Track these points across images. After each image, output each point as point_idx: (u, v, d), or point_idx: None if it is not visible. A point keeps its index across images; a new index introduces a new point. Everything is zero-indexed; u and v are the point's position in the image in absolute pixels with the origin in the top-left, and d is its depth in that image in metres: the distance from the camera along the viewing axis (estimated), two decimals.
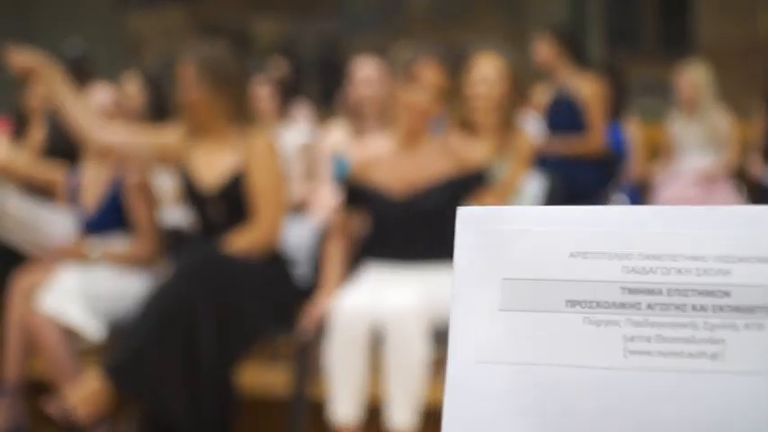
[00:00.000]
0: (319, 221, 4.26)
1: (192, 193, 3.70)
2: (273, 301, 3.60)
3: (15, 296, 3.72)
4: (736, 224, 0.57)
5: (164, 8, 9.36)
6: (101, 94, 4.20)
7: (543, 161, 4.64)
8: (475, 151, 3.55)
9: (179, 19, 9.24)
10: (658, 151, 6.23)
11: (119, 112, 4.21)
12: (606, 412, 0.57)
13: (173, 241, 4.00)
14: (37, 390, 3.71)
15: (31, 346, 3.67)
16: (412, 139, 3.51)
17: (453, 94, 3.61)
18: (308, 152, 5.01)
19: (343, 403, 3.24)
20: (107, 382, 3.32)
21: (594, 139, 5.32)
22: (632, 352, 0.57)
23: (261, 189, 3.61)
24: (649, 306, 0.57)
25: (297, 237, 4.20)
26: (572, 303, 0.59)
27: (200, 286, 3.37)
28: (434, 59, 3.50)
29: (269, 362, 3.82)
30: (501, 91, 4.14)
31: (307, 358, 3.51)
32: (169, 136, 3.74)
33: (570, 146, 5.26)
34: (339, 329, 3.25)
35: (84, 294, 3.60)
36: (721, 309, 0.57)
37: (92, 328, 3.58)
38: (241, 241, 3.54)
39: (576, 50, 5.46)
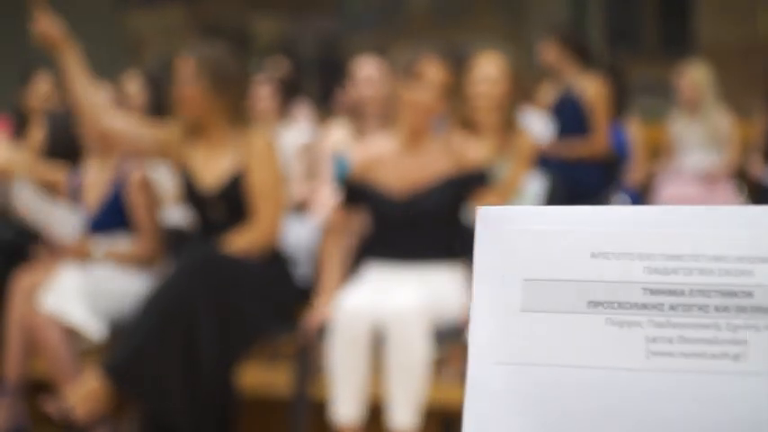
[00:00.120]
0: (320, 221, 4.26)
1: (191, 194, 3.69)
2: (274, 301, 3.60)
3: (16, 296, 3.72)
4: (759, 225, 0.57)
5: (163, 7, 9.36)
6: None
7: (544, 161, 4.64)
8: (476, 151, 3.54)
9: (179, 18, 9.24)
10: (659, 151, 6.23)
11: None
12: (628, 414, 0.56)
13: (173, 241, 3.99)
14: (38, 390, 3.71)
15: (32, 345, 3.66)
16: (415, 138, 3.50)
17: (454, 93, 3.60)
18: (309, 152, 5.00)
19: (345, 403, 3.24)
20: (106, 382, 3.32)
21: (598, 142, 5.31)
22: (654, 353, 0.57)
23: (260, 189, 3.61)
24: (672, 307, 0.57)
25: (297, 236, 4.20)
26: (594, 304, 0.58)
27: (200, 286, 3.37)
28: (437, 57, 3.50)
29: (270, 362, 3.81)
30: (503, 90, 4.14)
31: (308, 358, 3.50)
32: (168, 132, 3.74)
33: (574, 149, 5.25)
34: (340, 329, 3.25)
35: (86, 294, 3.60)
36: (744, 309, 0.56)
37: (93, 327, 3.58)
38: (241, 241, 3.54)
39: (581, 52, 5.45)
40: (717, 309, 0.57)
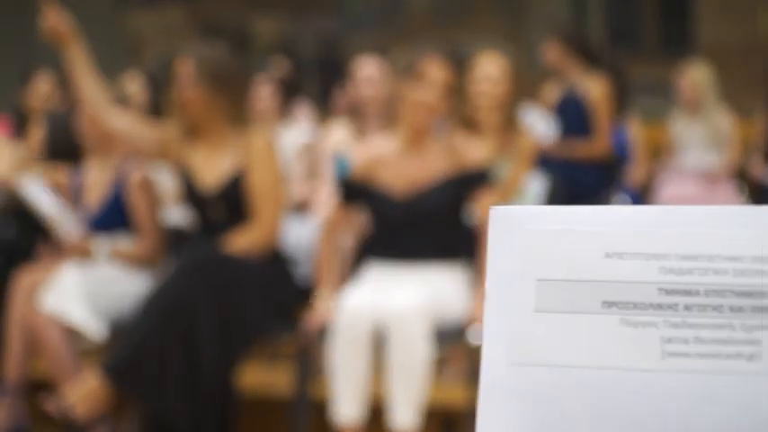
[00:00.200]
0: (320, 221, 4.25)
1: (191, 194, 3.69)
2: (274, 301, 3.60)
3: (17, 295, 3.71)
4: None
5: (163, 7, 9.35)
6: None
7: (545, 161, 4.64)
8: (476, 151, 3.54)
9: (179, 18, 9.23)
10: (659, 151, 6.23)
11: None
12: (643, 415, 0.56)
13: (173, 241, 3.99)
14: (38, 389, 3.70)
15: (33, 345, 3.66)
16: (417, 138, 3.50)
17: (455, 93, 3.60)
18: (310, 152, 5.00)
19: (346, 403, 3.23)
20: (106, 382, 3.32)
21: (600, 143, 5.30)
22: (670, 354, 0.56)
23: (260, 189, 3.61)
24: (687, 307, 0.57)
25: (298, 236, 4.20)
26: (608, 304, 0.58)
27: (200, 286, 3.37)
28: (439, 56, 3.49)
29: (271, 362, 3.82)
30: (504, 89, 4.14)
31: (308, 358, 3.50)
32: (168, 132, 3.74)
33: (575, 149, 5.24)
34: (341, 329, 3.25)
35: (86, 294, 3.60)
36: (758, 310, 0.56)
37: (93, 327, 3.57)
38: (241, 241, 3.54)
39: (584, 52, 5.44)
40: (731, 309, 0.56)
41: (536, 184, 4.19)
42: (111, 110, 3.69)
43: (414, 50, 3.55)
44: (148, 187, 3.93)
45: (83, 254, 3.78)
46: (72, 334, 3.58)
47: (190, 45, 4.12)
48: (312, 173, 4.94)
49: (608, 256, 0.58)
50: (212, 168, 3.66)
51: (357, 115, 4.69)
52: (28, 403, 3.76)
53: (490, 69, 4.18)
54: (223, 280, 3.42)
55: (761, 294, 0.56)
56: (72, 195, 4.09)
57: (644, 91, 7.10)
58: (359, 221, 3.79)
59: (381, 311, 3.23)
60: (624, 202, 5.46)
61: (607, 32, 8.19)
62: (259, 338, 3.59)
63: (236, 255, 3.50)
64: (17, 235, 4.34)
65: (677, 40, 8.07)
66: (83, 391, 3.32)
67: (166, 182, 4.30)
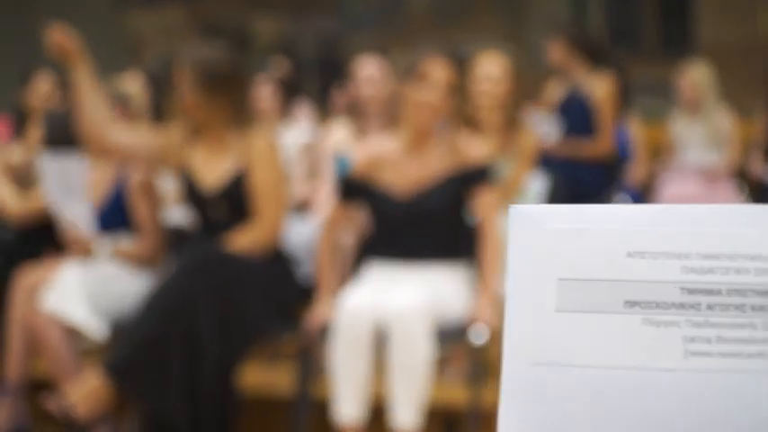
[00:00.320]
0: (321, 220, 4.25)
1: (193, 195, 3.69)
2: (275, 300, 3.60)
3: (18, 295, 3.71)
4: None
5: (163, 7, 9.35)
6: None
7: (546, 160, 4.64)
8: (477, 148, 3.53)
9: (178, 17, 9.23)
10: (660, 151, 6.23)
11: (118, 111, 4.20)
12: (666, 414, 0.56)
13: (174, 240, 3.99)
14: (39, 389, 3.70)
15: (34, 345, 3.66)
16: (421, 139, 3.49)
17: (458, 93, 3.59)
18: (310, 151, 5.00)
19: (347, 403, 3.23)
20: (107, 381, 3.32)
21: (603, 144, 5.30)
22: (693, 353, 0.56)
23: (262, 188, 3.60)
24: (709, 306, 0.56)
25: (299, 236, 4.20)
26: (630, 304, 0.58)
27: (201, 285, 3.36)
28: (441, 56, 3.49)
29: (272, 361, 3.82)
30: (506, 89, 4.14)
31: (310, 358, 3.50)
32: (169, 137, 3.74)
33: (578, 149, 5.24)
34: (342, 329, 3.24)
35: (87, 293, 3.59)
36: None
37: (94, 327, 3.57)
38: (243, 240, 3.53)
39: (589, 51, 5.42)
40: (753, 308, 0.56)
41: (537, 183, 4.19)
42: (112, 128, 3.68)
43: (414, 51, 3.55)
44: (149, 187, 3.92)
45: (85, 252, 3.78)
46: (73, 333, 3.58)
47: (189, 46, 4.12)
48: (313, 172, 4.94)
49: (630, 255, 0.58)
50: (213, 169, 3.66)
51: (355, 114, 4.69)
52: (29, 403, 3.75)
53: (491, 69, 4.18)
54: (224, 279, 3.42)
55: None
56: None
57: (644, 91, 7.11)
58: (359, 221, 3.79)
59: (382, 311, 3.23)
60: (625, 203, 5.46)
61: (607, 32, 8.19)
62: (260, 338, 3.58)
63: (238, 254, 3.49)
64: (17, 236, 4.33)
65: (677, 40, 8.07)
66: (84, 391, 3.32)
67: (167, 182, 4.30)
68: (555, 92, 5.56)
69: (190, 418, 3.33)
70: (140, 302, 3.47)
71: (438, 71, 3.45)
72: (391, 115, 3.86)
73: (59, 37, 3.57)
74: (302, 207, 4.67)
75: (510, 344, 0.59)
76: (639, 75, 7.09)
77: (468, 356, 3.40)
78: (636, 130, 6.15)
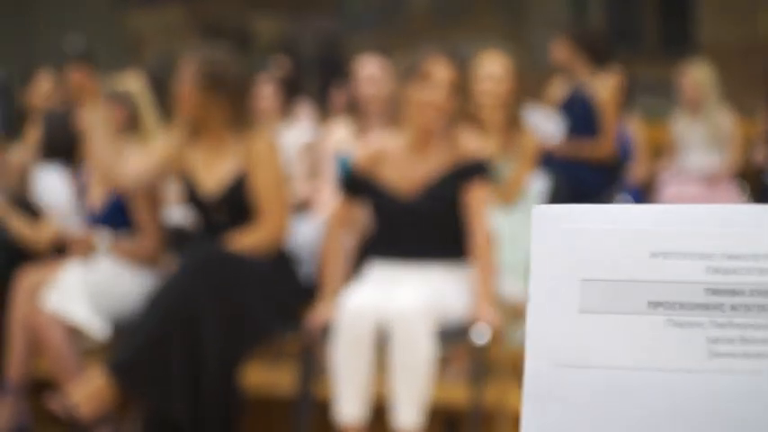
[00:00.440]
0: (323, 220, 4.25)
1: (194, 198, 3.69)
2: (278, 300, 3.59)
3: (20, 294, 3.71)
4: None
5: (163, 6, 9.35)
6: None
7: (548, 160, 4.63)
8: (473, 142, 3.52)
9: (179, 17, 9.22)
10: (661, 151, 6.22)
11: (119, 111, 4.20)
12: (690, 415, 0.56)
13: (176, 240, 3.99)
14: (41, 389, 3.70)
15: (36, 344, 3.65)
16: (424, 139, 3.48)
17: (460, 92, 3.59)
18: (311, 151, 5.00)
19: (349, 402, 3.23)
20: (110, 380, 3.32)
21: (605, 145, 5.29)
22: (717, 354, 0.56)
23: (265, 189, 3.60)
24: (733, 307, 0.56)
25: (301, 235, 4.19)
26: (654, 305, 0.57)
27: (203, 284, 3.36)
28: (443, 55, 3.48)
29: (274, 361, 3.81)
30: (507, 88, 4.14)
31: (311, 357, 3.50)
32: (172, 141, 3.73)
33: (580, 150, 5.24)
34: (344, 328, 3.24)
35: (89, 293, 3.59)
36: None
37: (96, 326, 3.57)
38: (247, 240, 3.53)
39: (593, 51, 5.40)
40: None
41: (539, 183, 4.19)
42: (119, 167, 3.70)
43: (415, 52, 3.54)
44: (150, 187, 3.92)
45: (87, 249, 3.77)
46: (75, 333, 3.58)
47: (190, 46, 4.12)
48: (314, 172, 4.93)
49: (654, 255, 0.58)
50: (213, 172, 3.66)
51: (356, 114, 4.68)
52: (30, 403, 3.75)
53: (493, 68, 4.18)
54: (226, 279, 3.42)
55: None
56: (76, 193, 4.09)
57: (645, 91, 7.10)
58: (361, 220, 3.78)
59: (384, 311, 3.23)
60: (626, 203, 5.45)
61: (607, 32, 8.18)
62: (262, 337, 3.58)
63: (240, 254, 3.49)
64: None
65: (678, 40, 8.07)
66: (87, 390, 3.32)
67: (168, 182, 4.29)
68: (557, 91, 5.56)
69: (192, 417, 3.33)
70: (143, 302, 3.47)
71: (441, 70, 3.44)
72: (392, 115, 3.85)
73: (81, 75, 3.59)
74: (303, 207, 4.66)
75: (532, 345, 0.59)
76: (640, 74, 7.09)
77: (470, 356, 3.39)
78: (637, 130, 6.14)
